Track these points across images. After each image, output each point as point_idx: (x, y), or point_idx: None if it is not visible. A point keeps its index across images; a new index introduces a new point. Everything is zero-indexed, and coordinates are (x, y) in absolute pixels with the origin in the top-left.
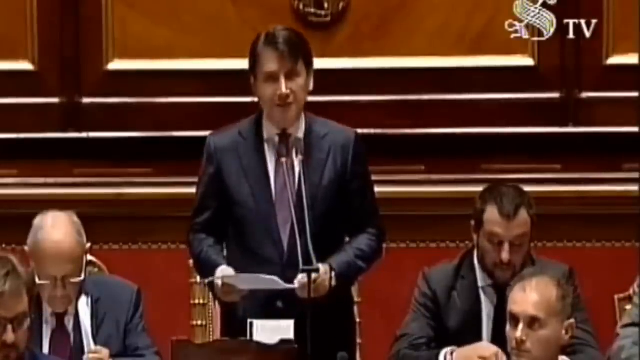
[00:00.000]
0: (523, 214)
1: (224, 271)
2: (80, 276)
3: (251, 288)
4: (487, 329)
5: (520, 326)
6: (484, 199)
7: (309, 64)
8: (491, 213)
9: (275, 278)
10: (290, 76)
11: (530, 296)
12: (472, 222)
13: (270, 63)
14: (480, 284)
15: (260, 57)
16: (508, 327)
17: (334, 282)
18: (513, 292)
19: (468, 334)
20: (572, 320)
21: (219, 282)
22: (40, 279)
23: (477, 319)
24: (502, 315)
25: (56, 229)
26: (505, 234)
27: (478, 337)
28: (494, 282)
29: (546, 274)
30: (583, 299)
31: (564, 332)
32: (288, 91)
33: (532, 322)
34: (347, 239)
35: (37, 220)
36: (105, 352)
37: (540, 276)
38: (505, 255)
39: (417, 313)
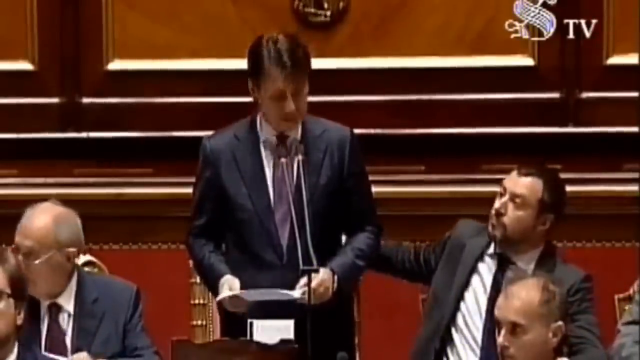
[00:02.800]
0: (534, 181)
1: (229, 281)
2: (36, 259)
3: (259, 299)
4: (476, 299)
5: (502, 332)
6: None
7: (309, 72)
8: (513, 171)
9: (286, 291)
10: (296, 94)
11: (511, 302)
12: None
13: (278, 82)
14: (490, 250)
15: (267, 75)
16: (496, 332)
17: (335, 286)
18: (499, 297)
19: (447, 287)
20: (559, 323)
21: (226, 296)
22: None
23: (462, 279)
24: (497, 291)
25: (38, 210)
26: (508, 185)
27: (454, 298)
28: (499, 251)
29: (540, 277)
30: (594, 305)
31: (550, 334)
32: (293, 108)
33: (514, 328)
34: (344, 237)
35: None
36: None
37: (525, 280)
38: (497, 204)
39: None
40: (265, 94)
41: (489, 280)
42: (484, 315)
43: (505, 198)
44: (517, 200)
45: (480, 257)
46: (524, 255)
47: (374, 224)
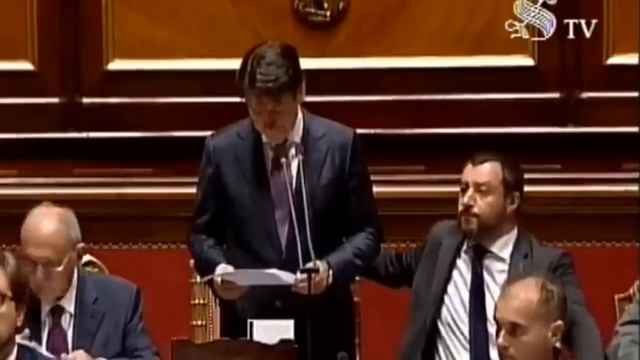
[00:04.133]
0: (492, 165)
1: (224, 269)
2: (59, 267)
3: (250, 284)
4: (458, 292)
5: (502, 333)
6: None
7: (295, 87)
8: (466, 165)
9: (274, 271)
10: (274, 112)
11: (510, 303)
12: None
13: (252, 102)
14: (465, 245)
15: (244, 91)
16: (496, 333)
17: (330, 280)
18: (498, 298)
19: (428, 288)
20: (559, 322)
21: (218, 279)
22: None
23: (442, 277)
24: (478, 282)
25: (42, 216)
26: (468, 178)
27: (436, 295)
28: (472, 244)
29: (538, 276)
30: (576, 279)
31: (550, 334)
32: (273, 122)
33: (514, 329)
34: (345, 238)
35: (31, 211)
36: (81, 357)
37: (524, 280)
38: (465, 199)
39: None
40: (248, 105)
41: (468, 274)
42: (467, 307)
43: (470, 191)
44: (483, 188)
45: (457, 254)
46: (498, 241)
47: (375, 226)
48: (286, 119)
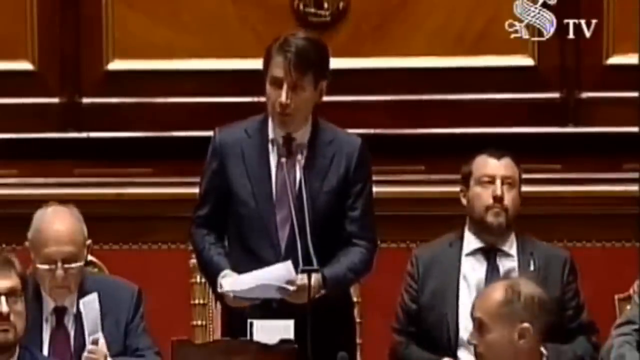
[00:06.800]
0: (509, 160)
1: (228, 276)
2: (80, 262)
3: (261, 297)
4: (470, 295)
5: (472, 329)
6: (471, 159)
7: (320, 77)
8: (480, 159)
9: (275, 283)
10: (293, 88)
11: (478, 299)
12: (460, 188)
13: (277, 68)
14: (465, 250)
15: (271, 60)
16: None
17: (322, 292)
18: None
19: (440, 304)
20: (525, 325)
21: (230, 294)
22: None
23: (452, 287)
24: (493, 278)
25: (56, 215)
26: (496, 172)
27: (451, 307)
28: (485, 242)
29: (515, 278)
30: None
31: (516, 336)
32: (288, 101)
33: (480, 326)
34: (341, 246)
35: (38, 212)
36: (101, 352)
37: (499, 280)
38: (498, 191)
39: (402, 296)
40: (268, 81)
41: (480, 275)
42: None
43: (499, 183)
44: (509, 181)
45: (460, 262)
46: (507, 240)
47: (369, 238)
48: (300, 105)
